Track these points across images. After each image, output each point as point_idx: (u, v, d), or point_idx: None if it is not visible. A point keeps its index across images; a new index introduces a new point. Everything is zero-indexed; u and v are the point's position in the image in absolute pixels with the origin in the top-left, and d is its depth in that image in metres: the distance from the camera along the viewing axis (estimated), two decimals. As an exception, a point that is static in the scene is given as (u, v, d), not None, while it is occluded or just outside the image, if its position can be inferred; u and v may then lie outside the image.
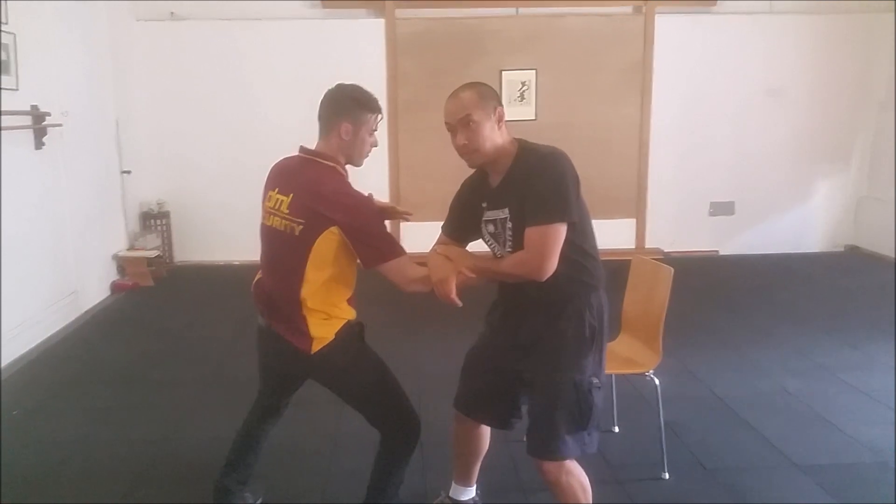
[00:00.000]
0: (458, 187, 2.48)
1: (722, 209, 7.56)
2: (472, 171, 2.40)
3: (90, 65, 5.89)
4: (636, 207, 7.41)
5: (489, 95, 2.23)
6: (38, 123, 4.88)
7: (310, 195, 2.26)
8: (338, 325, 2.35)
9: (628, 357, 3.08)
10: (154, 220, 6.93)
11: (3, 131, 4.42)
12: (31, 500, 2.92)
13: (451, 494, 2.74)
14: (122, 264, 6.35)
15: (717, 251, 7.56)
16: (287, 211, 2.28)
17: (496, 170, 2.27)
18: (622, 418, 3.50)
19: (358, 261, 2.33)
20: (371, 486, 2.52)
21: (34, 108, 4.83)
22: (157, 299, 6.03)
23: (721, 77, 7.29)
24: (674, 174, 7.42)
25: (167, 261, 6.94)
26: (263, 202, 2.42)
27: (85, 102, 5.74)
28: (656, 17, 7.10)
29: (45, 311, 4.97)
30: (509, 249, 2.25)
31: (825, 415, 3.65)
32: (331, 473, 3.12)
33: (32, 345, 4.72)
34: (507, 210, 2.22)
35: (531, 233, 2.14)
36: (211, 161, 7.03)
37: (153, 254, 6.52)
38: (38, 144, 4.92)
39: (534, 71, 7.10)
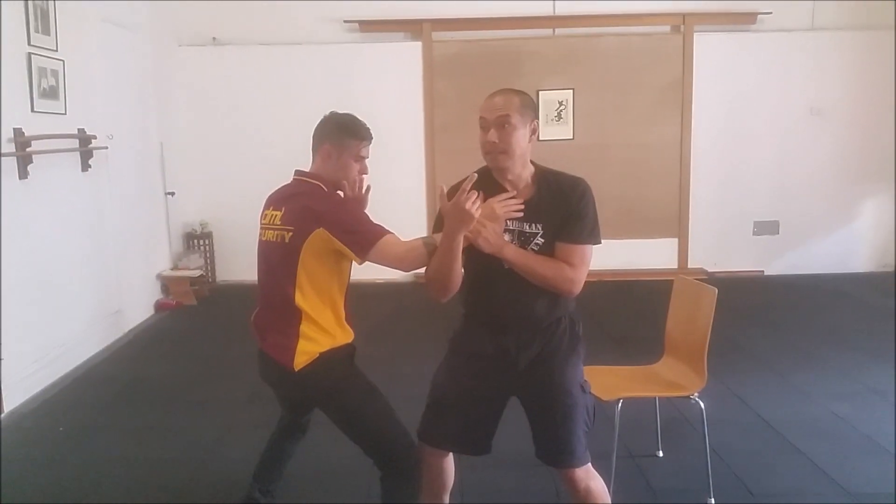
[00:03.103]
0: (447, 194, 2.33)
1: (766, 228, 7.41)
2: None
3: (135, 89, 6.04)
4: (678, 227, 7.30)
5: (530, 106, 2.27)
6: (85, 146, 5.01)
7: (297, 203, 2.36)
8: (326, 343, 2.34)
9: (672, 380, 3.00)
10: (197, 240, 7.04)
11: (51, 154, 4.55)
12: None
13: None
14: (166, 284, 6.46)
15: (762, 271, 7.40)
16: (279, 222, 2.37)
17: (514, 181, 2.28)
18: (666, 442, 3.41)
19: (353, 262, 2.34)
20: None
21: (81, 131, 4.96)
22: (200, 318, 6.11)
23: (763, 95, 7.18)
24: (716, 193, 7.31)
25: (210, 280, 7.04)
26: (261, 222, 2.49)
27: (130, 126, 5.88)
28: (695, 35, 7.05)
29: (90, 330, 5.06)
30: None
31: (877, 440, 3.52)
32: (370, 496, 3.07)
33: (77, 363, 4.81)
34: (539, 226, 2.25)
35: (576, 249, 2.23)
36: (252, 182, 7.03)
37: (196, 273, 6.62)
38: (85, 167, 5.04)
39: (571, 91, 7.08)
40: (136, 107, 6.07)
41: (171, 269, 6.60)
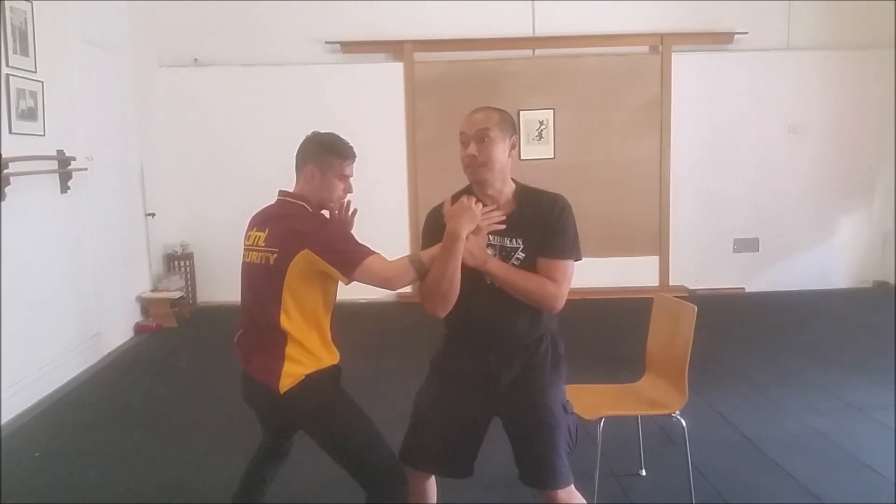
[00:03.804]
0: (429, 216, 2.44)
1: (746, 246, 7.48)
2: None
3: (115, 110, 6.01)
4: (659, 245, 7.35)
5: (509, 122, 2.32)
6: (64, 168, 4.97)
7: (281, 224, 2.35)
8: (312, 365, 2.33)
9: (654, 398, 3.01)
10: (178, 261, 6.99)
11: (29, 176, 4.50)
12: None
13: None
14: (146, 306, 6.40)
15: (743, 288, 7.46)
16: (263, 244, 2.36)
17: (495, 196, 2.31)
18: (649, 461, 3.41)
19: (339, 282, 2.33)
20: None
21: (60, 152, 4.92)
22: (180, 340, 6.05)
23: (741, 113, 7.28)
24: (696, 211, 7.39)
25: (190, 301, 6.98)
26: (244, 243, 2.47)
27: (110, 147, 5.84)
28: (673, 55, 7.14)
29: (69, 354, 4.99)
30: None
31: (858, 455, 3.54)
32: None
33: (56, 386, 4.73)
34: (520, 241, 2.27)
35: (557, 265, 2.24)
36: (233, 203, 7.04)
37: (176, 295, 6.56)
38: (64, 188, 5.00)
39: (551, 110, 7.14)
40: (117, 128, 6.04)
41: (152, 291, 6.54)
